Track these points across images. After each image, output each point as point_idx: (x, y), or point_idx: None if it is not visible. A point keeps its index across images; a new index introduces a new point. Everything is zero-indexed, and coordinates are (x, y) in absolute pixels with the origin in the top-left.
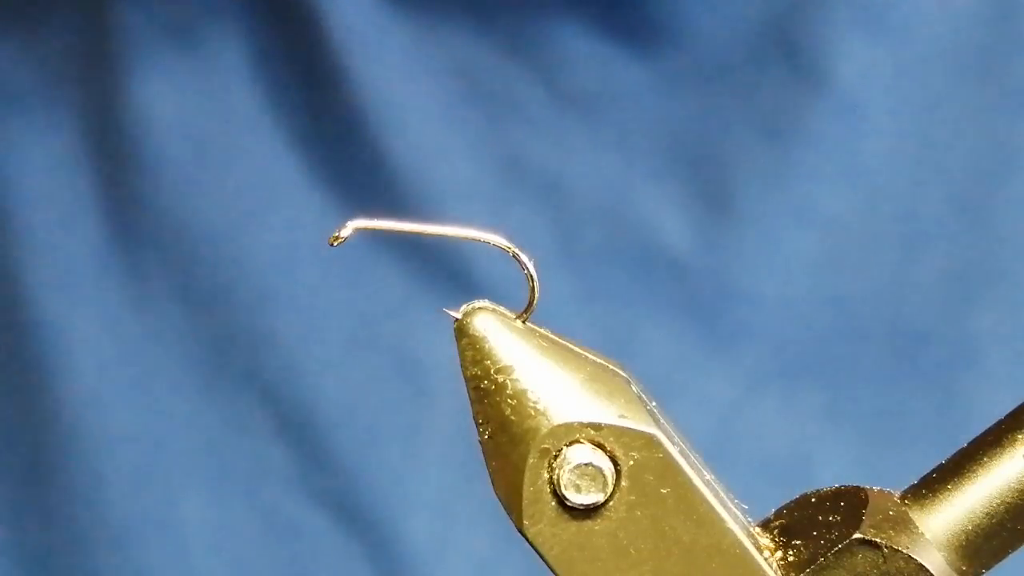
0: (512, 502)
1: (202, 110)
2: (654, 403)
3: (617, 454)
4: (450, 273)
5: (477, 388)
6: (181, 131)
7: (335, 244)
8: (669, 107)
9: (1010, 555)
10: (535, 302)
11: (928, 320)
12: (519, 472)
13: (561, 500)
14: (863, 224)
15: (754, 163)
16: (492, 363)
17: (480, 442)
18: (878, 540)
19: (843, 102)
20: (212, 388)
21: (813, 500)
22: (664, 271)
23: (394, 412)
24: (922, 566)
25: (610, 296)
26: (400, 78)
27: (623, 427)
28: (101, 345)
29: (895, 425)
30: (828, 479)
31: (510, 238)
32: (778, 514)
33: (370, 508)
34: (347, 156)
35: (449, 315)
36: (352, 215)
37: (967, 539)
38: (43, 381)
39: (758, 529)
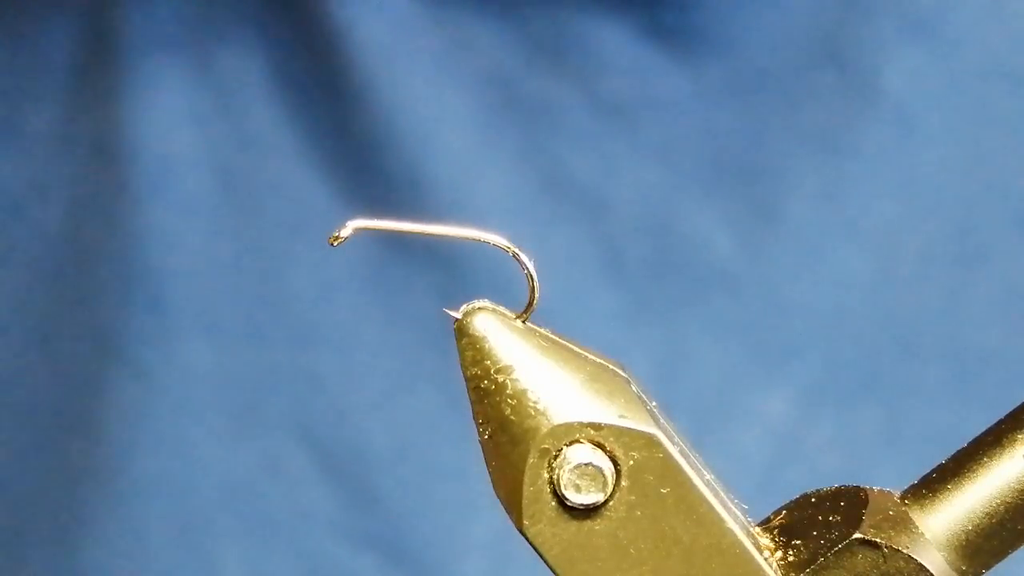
0: (512, 502)
1: (224, 137)
2: (654, 403)
3: (617, 454)
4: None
5: (477, 388)
6: (203, 161)
7: (335, 244)
8: (715, 117)
9: (1010, 555)
10: (535, 302)
11: (986, 337)
12: (519, 472)
13: (561, 500)
14: (917, 238)
15: (803, 175)
16: (492, 363)
17: (480, 442)
18: (878, 540)
19: (894, 113)
20: (249, 431)
21: (813, 500)
22: (714, 286)
23: (443, 450)
24: (922, 566)
25: (659, 313)
26: (433, 91)
27: (623, 427)
28: (134, 390)
29: (953, 446)
30: None
31: (551, 254)
32: (778, 514)
33: (421, 551)
34: (381, 178)
35: (449, 315)
36: (390, 241)
37: (967, 539)
38: (76, 431)
39: (758, 529)
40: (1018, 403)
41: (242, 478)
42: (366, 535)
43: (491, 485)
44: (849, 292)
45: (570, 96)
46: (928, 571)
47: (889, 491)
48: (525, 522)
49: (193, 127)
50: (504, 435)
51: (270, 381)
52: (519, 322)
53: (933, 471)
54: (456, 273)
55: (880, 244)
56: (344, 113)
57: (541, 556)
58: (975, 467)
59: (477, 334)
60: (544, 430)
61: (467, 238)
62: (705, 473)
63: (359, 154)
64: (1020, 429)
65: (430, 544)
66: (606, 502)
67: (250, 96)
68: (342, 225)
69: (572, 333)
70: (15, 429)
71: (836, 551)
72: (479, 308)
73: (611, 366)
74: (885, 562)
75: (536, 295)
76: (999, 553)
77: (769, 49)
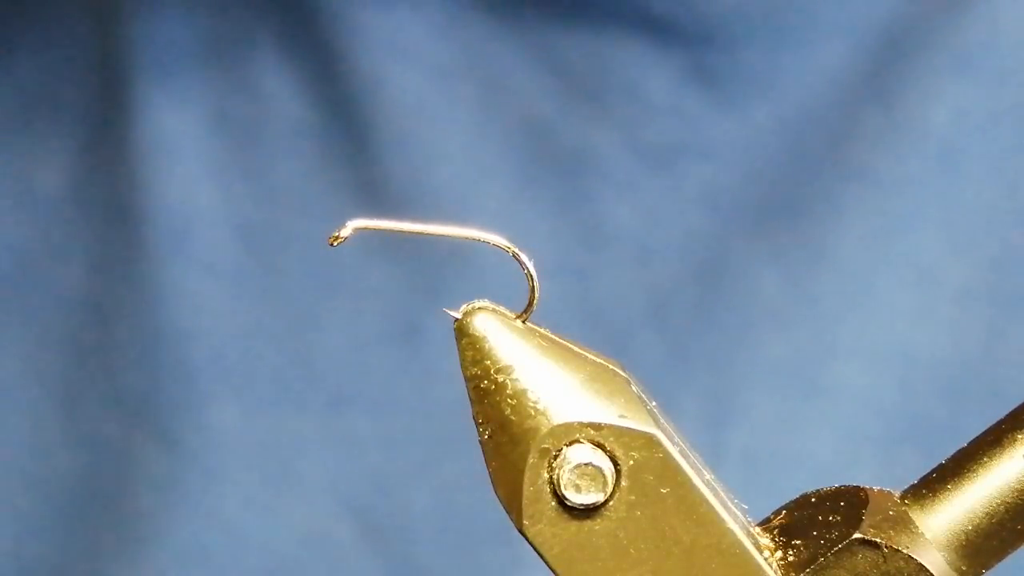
0: (512, 502)
1: (246, 193)
2: (654, 403)
3: (617, 454)
4: None
5: (477, 388)
6: (225, 218)
7: (335, 244)
8: (760, 159)
9: (1010, 555)
10: (535, 302)
11: None
12: (519, 472)
13: (561, 500)
14: (959, 277)
15: (850, 213)
16: (492, 363)
17: (480, 442)
18: (878, 540)
19: (938, 150)
20: (286, 499)
21: (813, 500)
22: (762, 327)
23: (487, 513)
24: (922, 566)
25: (706, 358)
26: (470, 140)
27: (623, 427)
28: (162, 458)
29: None
30: None
31: (596, 302)
32: (778, 514)
33: None
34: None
35: (449, 315)
36: (424, 294)
37: (967, 539)
38: (103, 503)
39: (758, 529)
40: None
41: (282, 548)
42: None
43: (491, 485)
44: (892, 331)
45: (611, 141)
46: (928, 571)
47: (889, 491)
48: (525, 522)
49: (214, 183)
50: (504, 435)
51: (305, 445)
52: (519, 322)
53: (933, 471)
54: None
55: (923, 282)
56: (374, 165)
57: (541, 556)
58: (975, 467)
59: (477, 334)
60: (544, 430)
61: (467, 238)
62: (705, 473)
63: (390, 207)
64: (1020, 429)
65: None
66: (606, 502)
67: (273, 150)
68: (342, 225)
69: None
70: (38, 501)
71: (836, 551)
72: (479, 308)
73: (611, 366)
74: (885, 562)
75: (536, 295)
76: (999, 553)
77: (814, 88)
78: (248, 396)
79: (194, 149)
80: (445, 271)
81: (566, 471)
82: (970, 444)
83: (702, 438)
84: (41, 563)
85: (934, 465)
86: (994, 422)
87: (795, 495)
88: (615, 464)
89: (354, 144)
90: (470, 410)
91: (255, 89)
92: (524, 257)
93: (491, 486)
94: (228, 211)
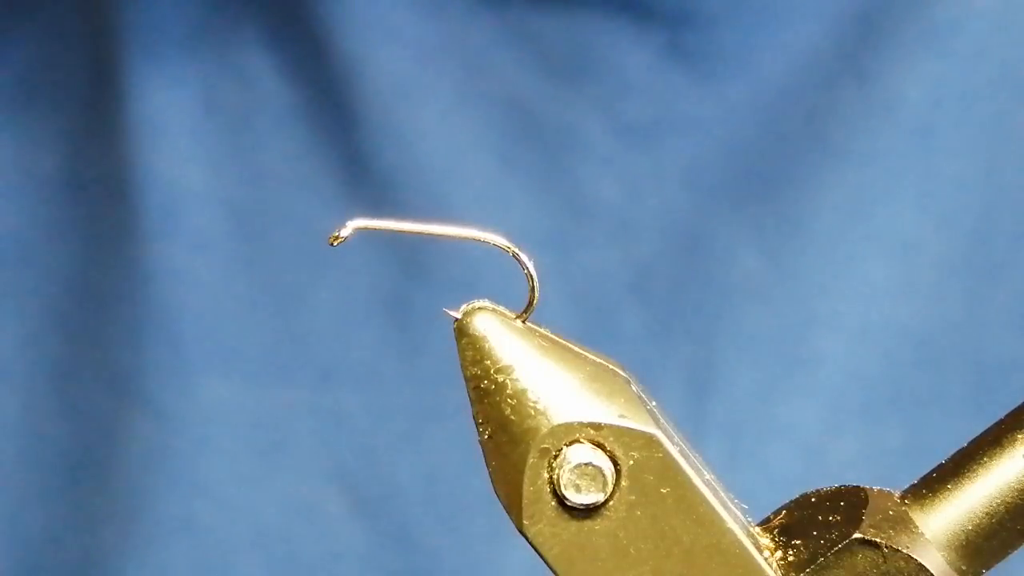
0: (512, 502)
1: (236, 171)
2: (654, 403)
3: (617, 454)
4: None
5: (477, 388)
6: (215, 196)
7: (335, 244)
8: (738, 135)
9: (1010, 555)
10: (535, 302)
11: (1007, 349)
12: (519, 472)
13: (561, 500)
14: (937, 248)
15: (827, 188)
16: (492, 363)
17: (480, 442)
18: (878, 540)
19: (914, 124)
20: (274, 470)
21: (813, 500)
22: (742, 301)
23: (474, 482)
24: (922, 566)
25: (688, 332)
26: (452, 118)
27: (623, 427)
28: (153, 431)
29: None
30: None
31: (577, 277)
32: (778, 514)
33: None
34: (400, 208)
35: (449, 315)
36: (410, 270)
37: (967, 539)
38: (94, 475)
39: (758, 529)
40: None
41: (269, 518)
42: (399, 572)
43: (491, 485)
44: (872, 303)
45: (592, 119)
46: (928, 571)
47: (889, 491)
48: (525, 522)
49: (204, 162)
50: (504, 435)
51: (293, 418)
52: (519, 322)
53: (933, 471)
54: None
55: (902, 255)
56: (360, 144)
57: (541, 556)
58: (975, 467)
59: (477, 334)
60: (544, 430)
61: (467, 238)
62: (705, 473)
63: (376, 185)
64: (1020, 429)
65: None
66: (606, 502)
67: (262, 128)
68: (342, 225)
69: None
70: (30, 473)
71: (836, 551)
72: (479, 308)
73: (611, 366)
74: (885, 562)
75: (536, 295)
76: (999, 553)
77: (790, 66)
78: (237, 370)
79: (184, 131)
80: (431, 247)
81: (566, 471)
82: (970, 444)
83: (684, 411)
84: (34, 533)
85: (917, 437)
86: (994, 422)
87: (779, 467)
88: (615, 464)
89: (340, 124)
90: (458, 371)
91: (243, 71)
92: (524, 257)
93: (490, 485)
94: (217, 191)
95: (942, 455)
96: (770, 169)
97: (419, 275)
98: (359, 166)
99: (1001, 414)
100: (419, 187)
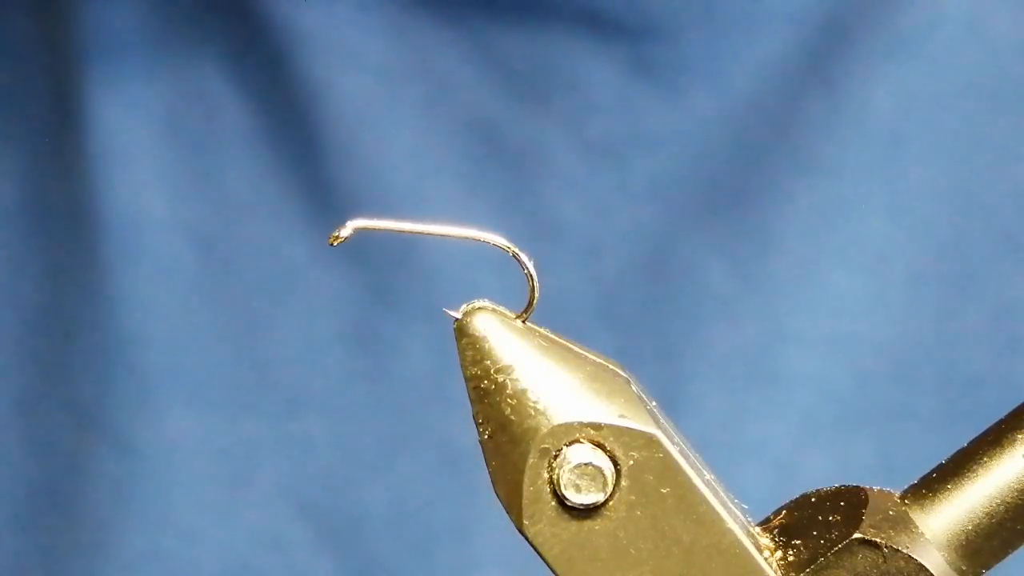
0: (512, 502)
1: (198, 199)
2: (654, 403)
3: (617, 454)
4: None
5: (477, 388)
6: (178, 225)
7: (335, 244)
8: (705, 149)
9: (1010, 555)
10: (535, 302)
11: (978, 363)
12: (519, 472)
13: (561, 500)
14: (907, 260)
15: (795, 200)
16: (492, 363)
17: (480, 442)
18: (878, 540)
19: (882, 134)
20: (242, 502)
21: (813, 500)
22: (710, 319)
23: (442, 511)
24: (922, 566)
25: (657, 350)
26: (416, 140)
27: (623, 427)
28: (117, 463)
29: None
30: None
31: (545, 298)
32: (778, 514)
33: None
34: (363, 233)
35: (449, 315)
36: (376, 297)
37: (967, 539)
38: (58, 508)
39: (758, 529)
40: None
41: (237, 551)
42: None
43: (491, 485)
44: (844, 317)
45: (556, 137)
46: (928, 571)
47: (889, 491)
48: (525, 522)
49: (166, 188)
50: (504, 435)
51: (259, 449)
52: (519, 322)
53: (933, 471)
54: (446, 328)
55: (871, 267)
56: (324, 168)
57: (541, 556)
58: (975, 467)
59: (477, 334)
60: (544, 430)
61: (467, 238)
62: (705, 473)
63: (342, 210)
64: (1020, 429)
65: None
66: (606, 502)
67: (224, 155)
68: (341, 225)
69: None
70: None
71: (836, 551)
72: (479, 308)
73: (611, 366)
74: (885, 562)
75: (536, 295)
76: (999, 553)
77: (756, 77)
78: (202, 400)
79: (145, 157)
80: (396, 274)
81: (566, 471)
82: (970, 444)
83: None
84: None
85: (889, 452)
86: (994, 422)
87: (750, 485)
88: (615, 464)
89: (303, 148)
90: (426, 396)
91: (204, 96)
92: (524, 257)
93: (491, 486)
94: (180, 218)
95: (915, 470)
96: (738, 182)
97: (385, 301)
98: (324, 191)
99: (974, 428)
100: (384, 211)
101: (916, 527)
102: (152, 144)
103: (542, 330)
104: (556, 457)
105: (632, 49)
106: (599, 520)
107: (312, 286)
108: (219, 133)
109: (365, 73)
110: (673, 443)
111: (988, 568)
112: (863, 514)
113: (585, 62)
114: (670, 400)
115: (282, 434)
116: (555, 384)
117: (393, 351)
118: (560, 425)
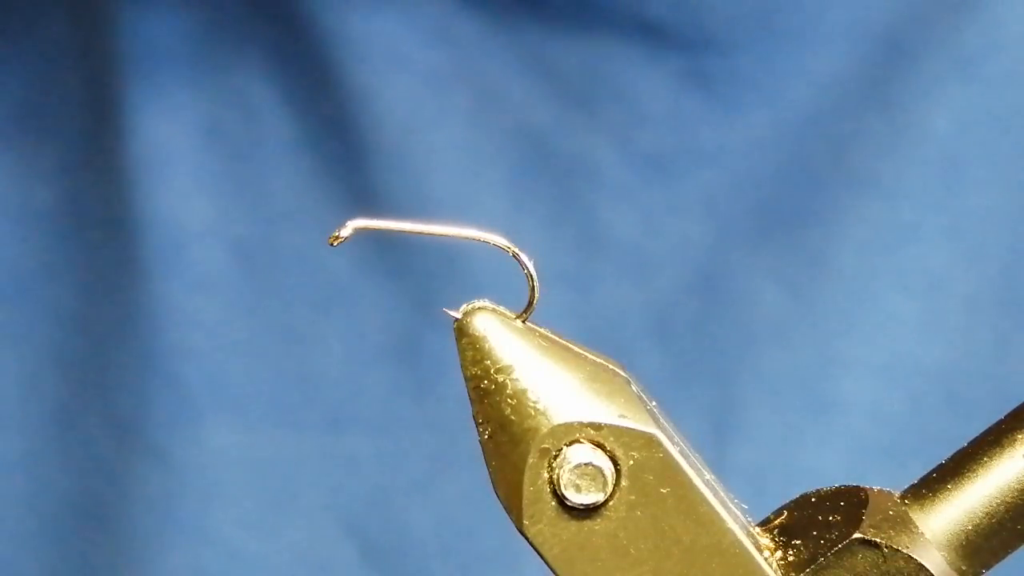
0: (512, 502)
1: (240, 208)
2: (654, 403)
3: (617, 454)
4: None
5: (477, 388)
6: (219, 234)
7: (335, 244)
8: (759, 166)
9: (1010, 555)
10: (535, 302)
11: None
12: (519, 472)
13: (561, 500)
14: (966, 286)
15: (851, 222)
16: (492, 363)
17: (480, 442)
18: (878, 540)
19: (940, 156)
20: (283, 518)
21: (813, 500)
22: (764, 339)
23: (487, 530)
24: (922, 566)
25: (709, 372)
26: (464, 150)
27: (623, 427)
28: (157, 477)
29: None
30: None
31: (594, 313)
32: (778, 514)
33: None
34: (411, 245)
35: (449, 315)
36: (421, 310)
37: (967, 539)
38: (97, 522)
39: (758, 529)
40: None
41: (279, 568)
42: None
43: (491, 485)
44: (898, 343)
45: (608, 148)
46: (928, 571)
47: (889, 491)
48: (525, 522)
49: (206, 197)
50: (504, 435)
51: (302, 464)
52: (519, 322)
53: (933, 471)
54: None
55: (927, 292)
56: (368, 176)
57: (541, 556)
58: (975, 467)
59: (477, 334)
60: (544, 430)
61: (467, 238)
62: (705, 473)
63: (384, 218)
64: (1020, 429)
65: None
66: (606, 502)
67: (266, 162)
68: (342, 225)
69: None
70: (31, 521)
71: (836, 551)
72: (479, 308)
73: (611, 366)
74: (885, 562)
75: (536, 295)
76: (999, 553)
77: (813, 93)
78: (243, 414)
79: (186, 163)
80: (440, 284)
81: (566, 471)
82: (970, 444)
83: (705, 456)
84: None
85: None
86: (994, 422)
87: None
88: (615, 464)
89: (348, 155)
90: (470, 411)
91: (247, 102)
92: (524, 257)
93: (491, 486)
94: (221, 226)
95: None
96: (792, 202)
97: (431, 314)
98: (368, 200)
99: None
100: (429, 221)
101: (916, 527)
102: (194, 151)
103: (542, 330)
104: (556, 457)
105: (686, 60)
106: (599, 520)
107: (356, 297)
108: (262, 140)
109: (411, 79)
110: (673, 443)
111: (988, 568)
112: (863, 514)
113: (637, 72)
114: (723, 425)
115: (326, 450)
116: (555, 384)
117: (439, 365)
118: (560, 425)
